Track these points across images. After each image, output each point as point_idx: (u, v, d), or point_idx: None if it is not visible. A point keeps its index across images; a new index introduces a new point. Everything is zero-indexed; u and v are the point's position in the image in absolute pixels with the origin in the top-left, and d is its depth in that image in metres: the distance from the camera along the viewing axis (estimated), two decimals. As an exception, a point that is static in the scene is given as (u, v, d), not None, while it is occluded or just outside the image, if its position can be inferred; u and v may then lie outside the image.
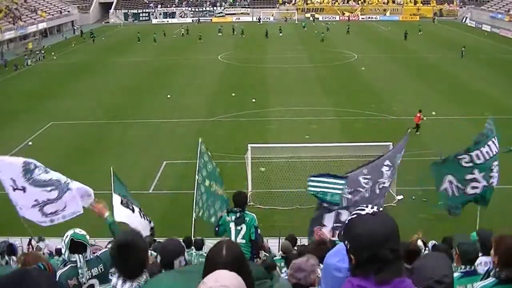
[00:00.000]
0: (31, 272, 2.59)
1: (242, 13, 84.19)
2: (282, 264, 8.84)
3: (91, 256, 4.83)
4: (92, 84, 40.08)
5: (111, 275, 4.71)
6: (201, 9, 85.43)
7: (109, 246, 6.20)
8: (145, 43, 60.54)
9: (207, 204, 13.32)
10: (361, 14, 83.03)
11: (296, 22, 78.13)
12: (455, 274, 4.85)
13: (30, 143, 26.35)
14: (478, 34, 65.43)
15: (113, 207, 11.77)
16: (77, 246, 4.75)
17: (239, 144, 21.50)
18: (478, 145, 11.50)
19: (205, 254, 9.03)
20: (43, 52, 54.18)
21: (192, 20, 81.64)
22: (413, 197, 19.06)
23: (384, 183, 10.69)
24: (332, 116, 30.13)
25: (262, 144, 21.53)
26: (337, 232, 8.96)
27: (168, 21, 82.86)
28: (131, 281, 3.47)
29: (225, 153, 22.53)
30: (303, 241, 12.63)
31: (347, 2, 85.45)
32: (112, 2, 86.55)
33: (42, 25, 68.33)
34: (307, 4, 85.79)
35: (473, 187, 11.52)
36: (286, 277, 4.45)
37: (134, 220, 11.97)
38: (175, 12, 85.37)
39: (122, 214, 11.76)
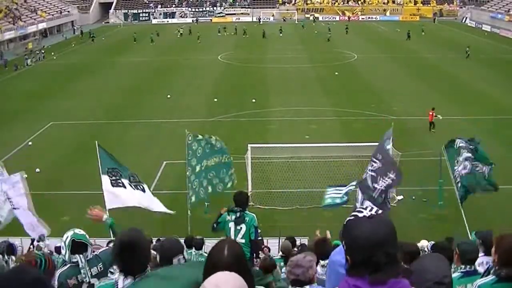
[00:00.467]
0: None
1: (242, 13, 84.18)
2: (282, 264, 8.85)
3: (91, 255, 4.83)
4: (92, 84, 40.04)
5: (110, 274, 4.73)
6: (201, 9, 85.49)
7: (110, 245, 6.20)
8: (143, 43, 60.42)
9: (198, 182, 13.67)
10: (361, 14, 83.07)
11: (296, 22, 78.14)
12: (455, 274, 4.86)
13: (30, 143, 26.31)
14: (478, 34, 65.39)
15: (104, 197, 11.87)
16: (78, 246, 4.74)
17: (239, 144, 21.46)
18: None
19: (205, 254, 9.06)
20: (43, 52, 54.12)
21: (192, 20, 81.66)
22: (413, 197, 19.05)
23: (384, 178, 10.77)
24: (332, 116, 30.12)
25: (262, 144, 21.52)
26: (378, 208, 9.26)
27: (168, 21, 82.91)
28: (132, 277, 3.47)
29: (225, 153, 22.52)
30: (303, 241, 12.66)
31: (347, 2, 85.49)
32: (112, 2, 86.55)
33: (42, 25, 68.28)
34: (307, 4, 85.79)
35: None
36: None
37: (128, 198, 12.07)
38: (175, 12, 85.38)
39: (115, 200, 11.85)
